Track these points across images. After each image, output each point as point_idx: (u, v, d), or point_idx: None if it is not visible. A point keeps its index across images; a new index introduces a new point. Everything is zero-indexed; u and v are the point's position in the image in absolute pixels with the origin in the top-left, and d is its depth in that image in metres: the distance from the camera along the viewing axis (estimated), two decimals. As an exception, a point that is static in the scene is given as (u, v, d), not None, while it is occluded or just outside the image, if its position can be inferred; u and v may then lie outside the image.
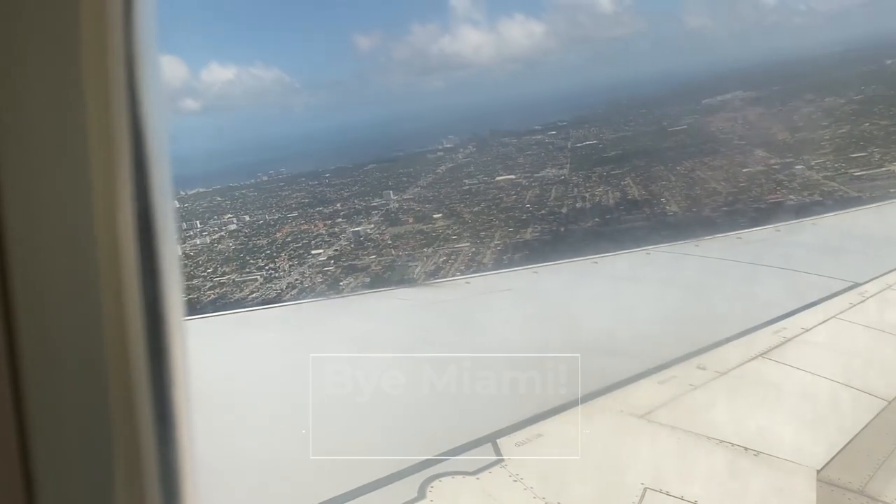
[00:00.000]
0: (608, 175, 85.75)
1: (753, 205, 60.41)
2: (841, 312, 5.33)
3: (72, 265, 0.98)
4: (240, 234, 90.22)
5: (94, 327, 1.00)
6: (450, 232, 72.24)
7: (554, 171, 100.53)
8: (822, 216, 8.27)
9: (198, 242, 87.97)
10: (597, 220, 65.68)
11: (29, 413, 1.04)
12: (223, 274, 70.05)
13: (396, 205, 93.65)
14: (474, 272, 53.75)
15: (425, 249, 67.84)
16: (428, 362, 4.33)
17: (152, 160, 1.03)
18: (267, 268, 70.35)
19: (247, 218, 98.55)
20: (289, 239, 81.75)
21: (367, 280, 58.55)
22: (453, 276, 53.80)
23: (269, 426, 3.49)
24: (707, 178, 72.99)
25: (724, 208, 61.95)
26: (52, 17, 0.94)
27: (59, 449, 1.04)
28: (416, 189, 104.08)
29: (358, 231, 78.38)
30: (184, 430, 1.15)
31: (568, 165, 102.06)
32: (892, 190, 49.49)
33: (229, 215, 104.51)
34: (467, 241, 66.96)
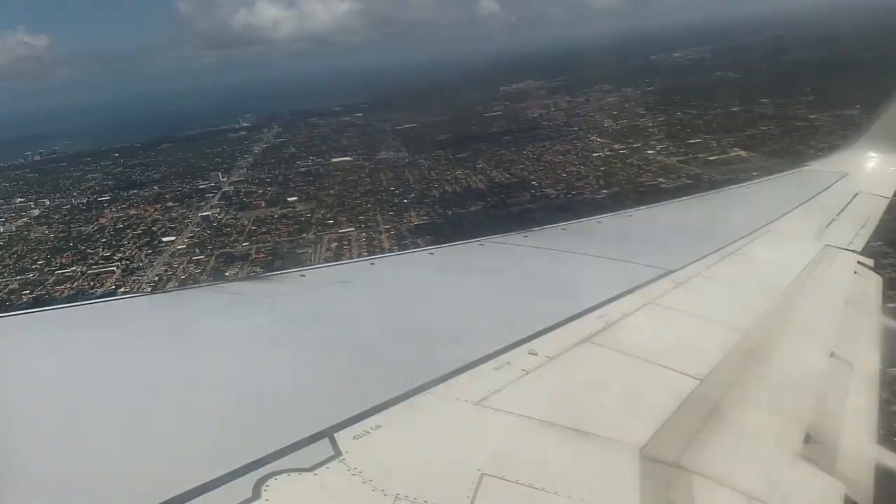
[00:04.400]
0: (456, 158, 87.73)
1: (630, 187, 65.05)
2: (657, 298, 5.87)
3: None
4: (50, 220, 79.42)
5: None
6: (320, 216, 69.65)
7: (392, 153, 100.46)
8: (639, 208, 10.24)
9: (1, 230, 76.22)
10: (480, 203, 66.68)
11: None
12: (63, 266, 61.54)
13: (230, 187, 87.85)
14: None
15: (304, 235, 64.72)
16: (259, 358, 4.39)
17: None
18: (116, 258, 62.96)
19: (47, 202, 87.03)
20: (120, 225, 73.64)
21: (259, 270, 54.37)
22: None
23: (82, 432, 3.30)
24: (565, 163, 77.57)
25: (604, 191, 66.09)
26: None
27: None
28: (241, 170, 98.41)
29: (207, 216, 72.66)
30: None
31: (404, 148, 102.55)
32: (754, 172, 56.09)
33: (20, 199, 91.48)
34: (351, 227, 64.87)
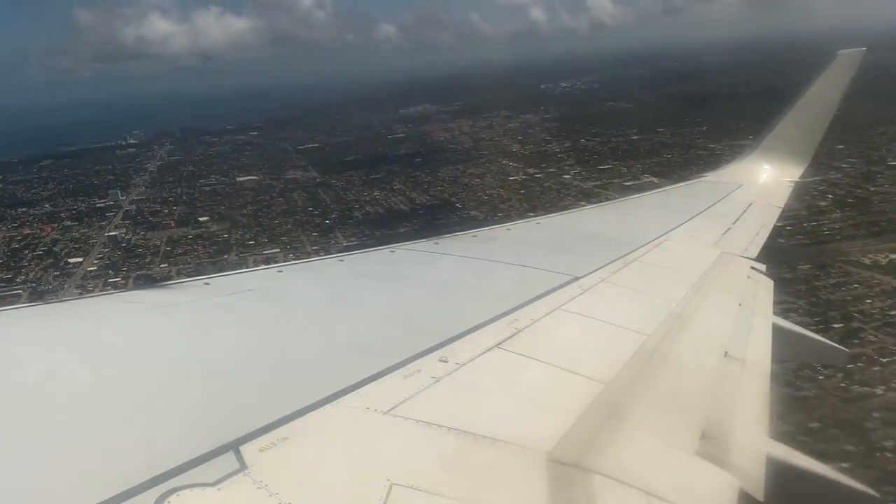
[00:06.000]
0: (370, 179, 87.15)
1: (555, 211, 66.41)
2: (564, 304, 6.16)
3: None
4: (-71, 240, 72.37)
5: None
6: (238, 237, 67.38)
7: (300, 173, 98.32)
8: (548, 216, 11.47)
9: None
10: (407, 224, 66.38)
11: None
12: (-44, 290, 56.35)
13: (132, 206, 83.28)
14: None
15: (225, 256, 62.32)
16: (158, 369, 4.33)
17: None
18: (20, 280, 58.39)
19: (-79, 220, 79.49)
20: (15, 245, 68.34)
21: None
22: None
23: None
24: (483, 185, 78.69)
25: (531, 213, 67.28)
26: None
27: None
28: (140, 189, 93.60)
29: (114, 236, 68.75)
30: None
31: (311, 168, 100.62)
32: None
33: None
34: (275, 247, 63.01)
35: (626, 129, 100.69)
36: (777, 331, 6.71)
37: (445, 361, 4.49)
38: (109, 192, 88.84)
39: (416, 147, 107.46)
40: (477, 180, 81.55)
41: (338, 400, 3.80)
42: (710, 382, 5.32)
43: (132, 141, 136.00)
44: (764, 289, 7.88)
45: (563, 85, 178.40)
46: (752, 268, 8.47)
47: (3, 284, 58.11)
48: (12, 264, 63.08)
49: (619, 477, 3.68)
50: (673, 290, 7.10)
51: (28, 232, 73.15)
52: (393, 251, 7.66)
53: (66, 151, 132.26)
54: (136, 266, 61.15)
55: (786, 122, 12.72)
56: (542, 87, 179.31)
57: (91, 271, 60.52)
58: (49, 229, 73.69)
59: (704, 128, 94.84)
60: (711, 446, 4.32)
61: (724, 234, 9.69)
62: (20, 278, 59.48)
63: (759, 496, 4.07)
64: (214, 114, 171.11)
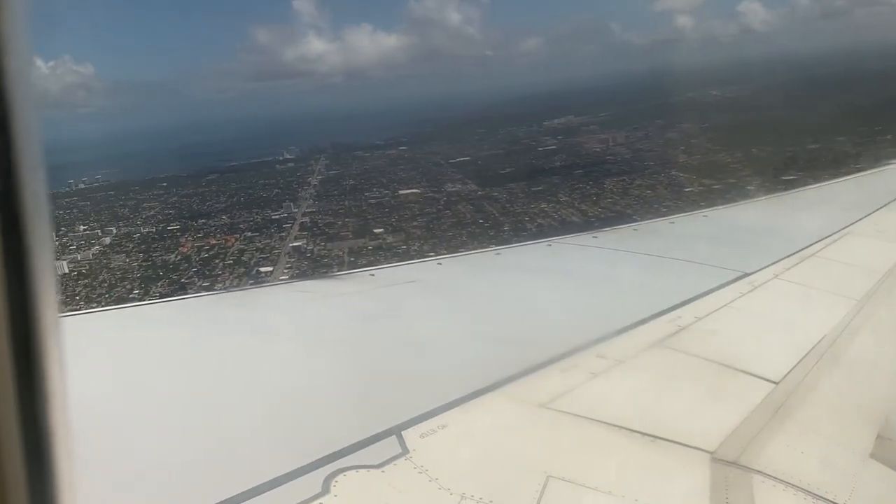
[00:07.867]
0: (532, 192, 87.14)
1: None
2: (732, 301, 5.92)
3: None
4: (125, 248, 77.95)
5: None
6: (417, 248, 68.84)
7: (459, 185, 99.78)
8: (712, 209, 10.15)
9: (78, 258, 74.61)
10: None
11: None
12: (163, 297, 59.78)
13: (307, 218, 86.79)
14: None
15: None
16: (329, 355, 4.61)
17: (19, 151, 0.95)
18: (217, 289, 61.35)
19: (114, 230, 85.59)
20: (205, 255, 72.45)
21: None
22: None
23: (157, 425, 3.40)
24: (657, 196, 77.28)
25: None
26: None
27: None
28: (309, 201, 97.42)
29: (297, 246, 71.66)
30: (61, 451, 0.99)
31: (469, 181, 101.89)
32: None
33: (83, 227, 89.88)
34: (457, 258, 63.89)
35: (798, 137, 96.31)
36: None
37: (604, 357, 4.49)
38: (283, 204, 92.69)
39: (571, 159, 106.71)
40: (649, 192, 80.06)
41: (495, 390, 3.91)
42: (890, 384, 5.12)
43: (289, 156, 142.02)
44: None
45: (714, 93, 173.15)
46: None
47: (200, 291, 61.52)
48: (207, 272, 66.87)
49: (785, 478, 3.62)
50: (852, 288, 6.78)
51: (214, 242, 77.32)
52: (549, 244, 7.83)
53: (229, 167, 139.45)
54: (327, 276, 63.43)
55: None
56: (691, 95, 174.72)
57: (283, 280, 63.14)
58: (233, 240, 77.63)
59: (889, 136, 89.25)
60: (888, 449, 4.15)
61: None
62: (217, 286, 62.79)
63: None
64: (361, 129, 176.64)
